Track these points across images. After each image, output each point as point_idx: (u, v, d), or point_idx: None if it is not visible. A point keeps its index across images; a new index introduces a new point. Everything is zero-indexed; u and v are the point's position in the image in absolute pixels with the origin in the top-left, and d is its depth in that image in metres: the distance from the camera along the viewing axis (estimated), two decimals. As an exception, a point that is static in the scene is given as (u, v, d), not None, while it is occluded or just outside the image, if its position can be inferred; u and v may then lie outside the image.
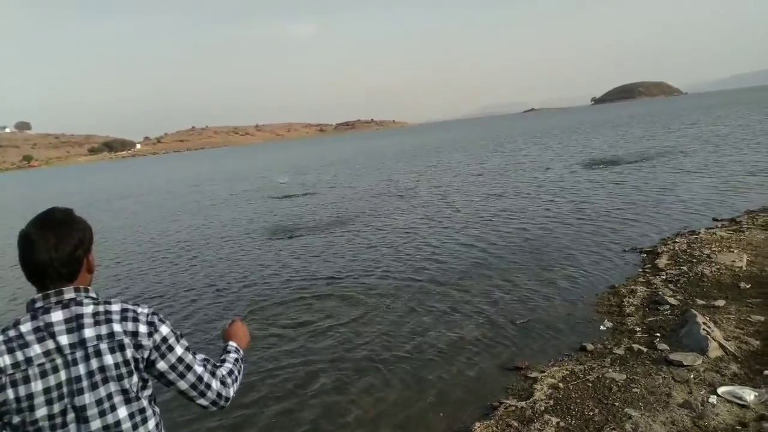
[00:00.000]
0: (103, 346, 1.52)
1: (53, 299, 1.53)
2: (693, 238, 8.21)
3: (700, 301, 5.67)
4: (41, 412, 1.45)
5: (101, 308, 1.57)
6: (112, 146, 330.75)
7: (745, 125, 30.95)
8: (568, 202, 12.93)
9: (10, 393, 1.43)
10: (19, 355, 1.44)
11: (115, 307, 1.59)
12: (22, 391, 1.43)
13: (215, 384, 1.72)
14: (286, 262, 9.91)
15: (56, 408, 1.47)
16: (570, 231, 10.03)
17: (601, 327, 5.51)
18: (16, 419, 1.45)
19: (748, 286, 5.94)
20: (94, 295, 1.61)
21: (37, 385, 1.44)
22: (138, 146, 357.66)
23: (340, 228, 12.78)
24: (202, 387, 1.69)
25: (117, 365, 1.53)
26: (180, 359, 1.66)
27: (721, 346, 4.51)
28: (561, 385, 4.37)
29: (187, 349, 1.70)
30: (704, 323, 4.82)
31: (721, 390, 3.89)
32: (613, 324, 5.53)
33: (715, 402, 3.77)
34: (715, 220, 9.61)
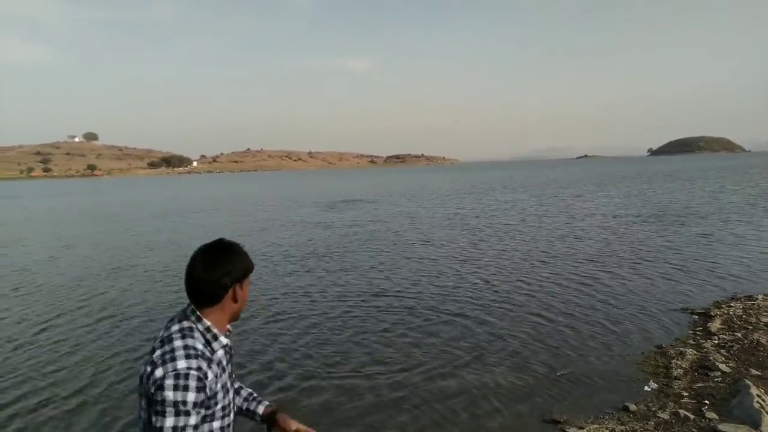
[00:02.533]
0: (145, 368, 1.66)
1: (189, 313, 1.77)
2: (750, 304, 7.85)
3: (754, 371, 5.40)
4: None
5: (173, 334, 1.71)
6: (170, 162, 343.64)
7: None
8: (624, 253, 12.62)
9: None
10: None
11: (177, 343, 1.67)
12: None
13: None
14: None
15: None
16: (622, 283, 9.76)
17: (646, 387, 5.30)
18: None
19: (807, 360, 5.62)
20: (200, 327, 1.74)
21: None
22: (195, 163, 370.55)
23: (399, 255, 12.85)
24: None
25: (144, 389, 1.65)
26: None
27: (776, 421, 4.27)
28: (600, 444, 4.22)
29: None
30: (758, 395, 4.59)
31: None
32: (659, 386, 5.31)
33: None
34: (774, 286, 9.18)
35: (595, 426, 4.53)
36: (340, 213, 26.42)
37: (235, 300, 1.81)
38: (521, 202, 29.25)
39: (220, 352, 1.79)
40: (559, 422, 4.68)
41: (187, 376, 1.59)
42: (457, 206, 28.25)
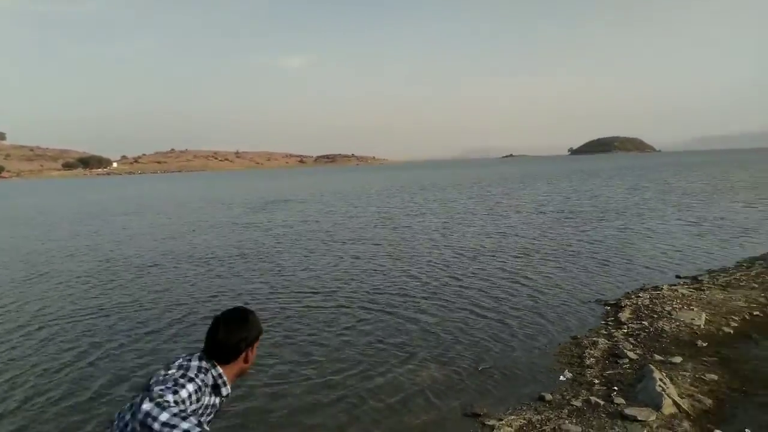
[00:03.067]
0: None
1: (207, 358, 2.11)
2: (656, 294, 8.39)
3: (658, 357, 5.79)
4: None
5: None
6: (87, 162, 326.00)
7: (713, 184, 32.16)
8: (547, 248, 13.18)
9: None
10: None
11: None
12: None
13: None
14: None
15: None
16: (544, 277, 10.18)
17: (561, 377, 5.57)
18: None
19: (704, 345, 6.09)
20: (214, 372, 2.09)
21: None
22: (114, 164, 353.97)
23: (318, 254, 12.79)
24: None
25: None
26: None
27: (675, 403, 4.60)
28: (517, 434, 4.40)
29: None
30: (660, 379, 4.92)
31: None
32: (573, 375, 5.60)
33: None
34: (678, 277, 9.86)
35: (513, 417, 4.72)
36: (270, 214, 26.04)
37: (246, 361, 2.17)
38: (452, 201, 29.88)
39: (218, 400, 2.11)
40: (480, 415, 4.84)
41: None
42: (389, 205, 28.50)
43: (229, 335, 2.09)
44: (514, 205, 25.49)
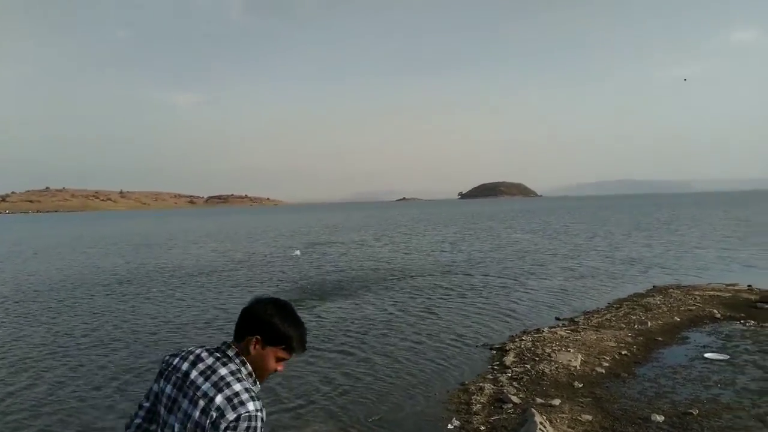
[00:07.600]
0: (201, 402, 1.78)
1: (223, 347, 1.94)
2: (537, 336, 8.80)
3: (539, 400, 6.02)
4: (161, 408, 1.90)
5: (227, 377, 1.84)
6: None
7: (599, 225, 34.87)
8: (431, 292, 13.43)
9: (161, 382, 1.93)
10: (177, 361, 1.92)
11: (237, 387, 1.81)
12: (162, 384, 1.92)
13: None
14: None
15: (162, 410, 1.90)
16: (428, 322, 10.34)
17: (449, 425, 5.62)
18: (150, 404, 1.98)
19: (580, 386, 6.43)
20: (243, 370, 1.89)
21: (166, 386, 1.90)
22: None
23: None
24: None
25: (197, 422, 1.77)
26: None
27: (554, 446, 4.78)
28: (406, 489, 4.34)
29: None
30: (541, 423, 5.10)
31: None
32: (461, 423, 5.67)
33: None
34: (557, 319, 10.43)
35: (402, 471, 4.67)
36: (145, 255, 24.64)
37: (248, 352, 1.94)
38: (366, 245, 29.93)
39: None
40: (369, 471, 4.74)
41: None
42: (283, 246, 28.00)
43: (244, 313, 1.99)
44: (414, 246, 26.21)
